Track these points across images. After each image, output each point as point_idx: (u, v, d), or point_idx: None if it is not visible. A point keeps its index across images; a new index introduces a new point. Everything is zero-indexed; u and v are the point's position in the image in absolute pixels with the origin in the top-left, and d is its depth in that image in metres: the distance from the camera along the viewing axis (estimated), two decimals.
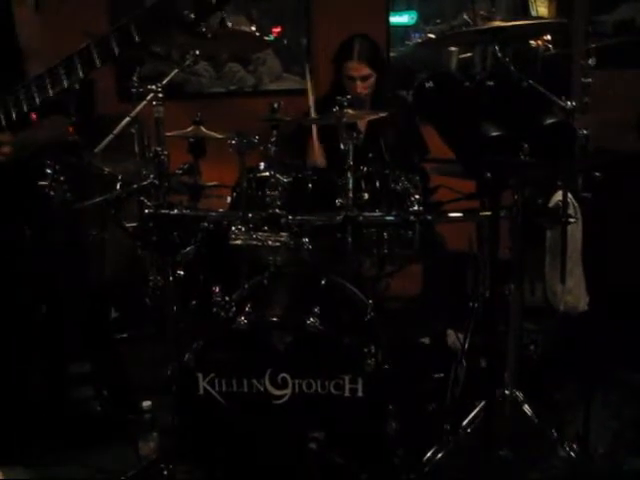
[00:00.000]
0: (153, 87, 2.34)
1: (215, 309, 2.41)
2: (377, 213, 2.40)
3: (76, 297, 3.01)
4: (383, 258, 2.57)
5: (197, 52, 2.65)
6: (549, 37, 3.92)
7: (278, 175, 2.33)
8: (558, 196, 2.81)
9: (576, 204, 2.86)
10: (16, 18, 1.92)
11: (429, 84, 2.57)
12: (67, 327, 3.04)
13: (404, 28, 4.29)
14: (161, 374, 2.56)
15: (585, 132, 2.73)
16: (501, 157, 2.29)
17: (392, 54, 4.13)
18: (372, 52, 3.21)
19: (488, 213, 2.54)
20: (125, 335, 3.43)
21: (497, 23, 2.46)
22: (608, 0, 4.13)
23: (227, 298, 2.40)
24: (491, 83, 2.45)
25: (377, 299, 2.64)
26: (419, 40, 4.25)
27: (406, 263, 2.72)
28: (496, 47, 2.56)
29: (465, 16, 4.22)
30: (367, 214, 2.35)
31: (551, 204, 2.80)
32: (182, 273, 2.65)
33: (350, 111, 2.41)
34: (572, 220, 2.63)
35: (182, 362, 2.29)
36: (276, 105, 2.47)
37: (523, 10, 4.27)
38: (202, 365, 2.23)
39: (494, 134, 2.32)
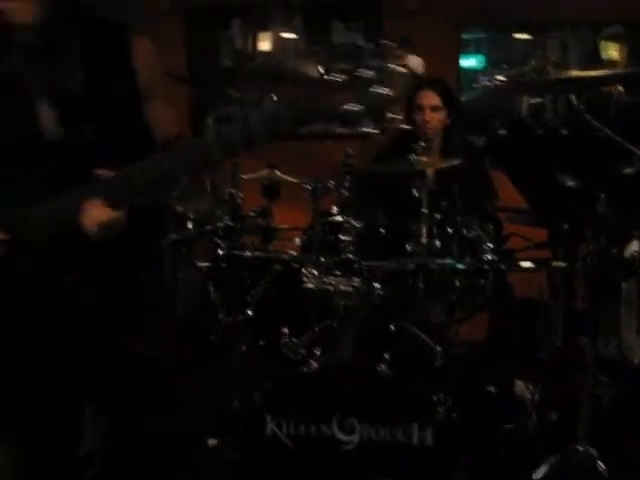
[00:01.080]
0: None
1: (283, 350, 2.42)
2: (449, 261, 2.39)
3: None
4: (453, 305, 2.56)
5: None
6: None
7: (351, 220, 2.36)
8: (634, 246, 2.75)
9: None
10: (135, 51, 1.55)
11: (503, 131, 2.58)
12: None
13: (473, 72, 4.31)
14: (225, 411, 2.58)
15: None
16: (578, 208, 2.27)
17: (462, 98, 4.14)
18: (444, 87, 3.23)
19: (561, 264, 2.52)
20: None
21: (574, 73, 2.46)
22: None
23: (295, 340, 2.42)
24: (565, 131, 2.44)
25: (445, 345, 2.61)
26: (488, 84, 4.26)
27: (476, 310, 2.69)
28: (571, 96, 2.55)
29: (533, 62, 4.22)
30: (439, 261, 2.35)
31: (627, 254, 2.73)
32: (251, 313, 2.68)
33: (424, 158, 2.43)
34: None
35: (250, 401, 2.30)
36: (350, 151, 2.50)
37: (594, 55, 4.24)
38: (270, 406, 2.24)
39: (570, 184, 2.31)
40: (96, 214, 1.35)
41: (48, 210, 1.42)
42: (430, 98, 3.13)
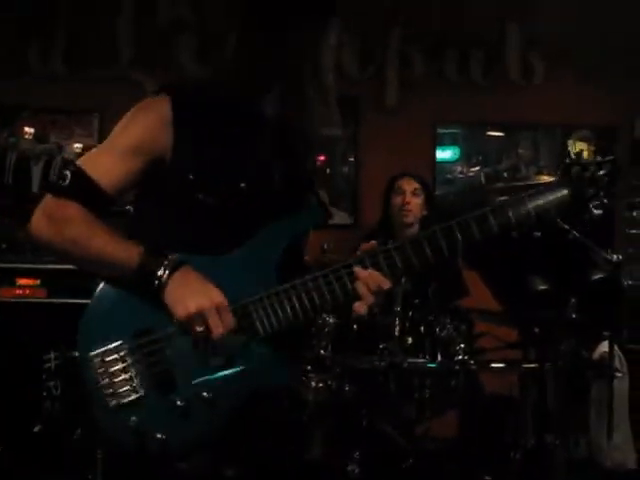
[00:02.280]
0: None
1: None
2: (421, 360, 2.40)
3: None
4: (424, 402, 2.54)
5: None
6: None
7: (325, 316, 2.37)
8: (603, 347, 2.79)
9: (622, 357, 2.82)
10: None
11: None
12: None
13: (447, 164, 4.42)
14: None
15: (630, 283, 2.74)
16: (548, 311, 2.31)
17: (437, 192, 4.23)
18: (423, 182, 3.32)
19: (532, 365, 2.53)
20: None
21: (544, 179, 2.54)
22: None
23: None
24: (538, 234, 2.50)
25: (416, 443, 2.59)
26: (460, 175, 4.37)
27: (447, 408, 2.68)
28: None
29: (506, 160, 4.35)
30: (412, 360, 2.35)
31: (596, 355, 2.77)
32: None
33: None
34: (617, 374, 2.59)
35: None
36: (326, 246, 2.53)
37: (563, 153, 4.39)
38: None
39: (541, 288, 2.36)
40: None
41: None
42: (411, 183, 3.23)
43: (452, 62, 4.28)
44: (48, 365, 3.45)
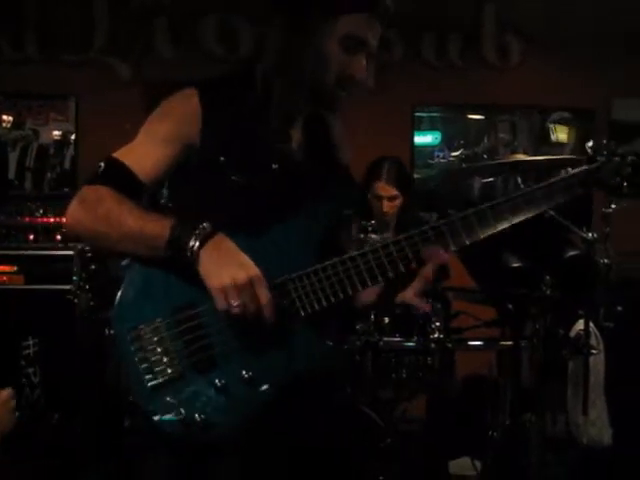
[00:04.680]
0: None
1: None
2: (397, 339, 2.40)
3: (91, 404, 3.01)
4: (401, 382, 2.55)
5: None
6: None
7: None
8: (579, 325, 2.81)
9: (598, 334, 2.84)
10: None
11: (453, 211, 2.64)
12: (81, 434, 3.03)
13: (428, 148, 4.43)
14: None
15: (607, 262, 2.76)
16: (523, 290, 2.31)
17: (416, 175, 4.24)
18: (401, 174, 3.28)
19: (508, 343, 2.55)
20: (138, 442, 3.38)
21: (519, 157, 2.55)
22: (626, 131, 4.26)
23: None
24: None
25: (393, 423, 2.60)
26: (442, 160, 4.38)
27: (424, 387, 2.69)
28: (518, 178, 2.64)
29: (486, 142, 4.37)
30: (387, 339, 2.36)
31: (572, 334, 2.78)
32: None
33: (374, 236, 2.46)
34: (593, 351, 2.61)
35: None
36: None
37: (543, 136, 4.41)
38: None
39: (515, 265, 2.37)
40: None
41: None
42: (388, 190, 3.19)
43: (430, 45, 4.28)
44: (27, 352, 3.44)
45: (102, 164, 1.43)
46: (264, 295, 1.29)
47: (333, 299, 1.34)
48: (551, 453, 2.84)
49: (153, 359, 1.31)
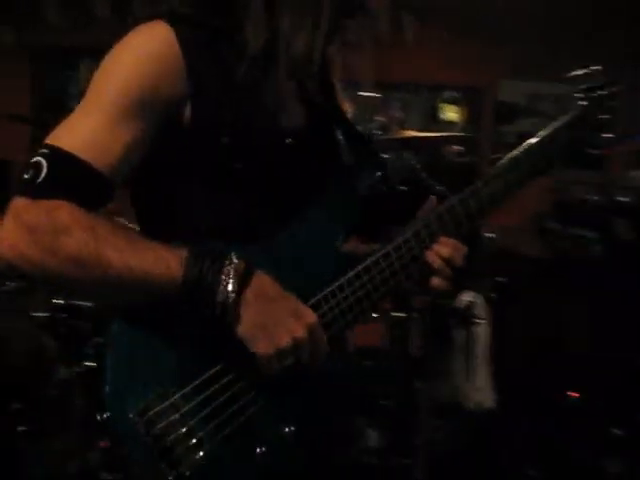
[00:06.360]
0: None
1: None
2: None
3: None
4: None
5: None
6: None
7: None
8: (466, 297, 2.93)
9: (484, 304, 2.98)
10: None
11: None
12: None
13: None
14: (63, 471, 2.44)
15: (491, 235, 2.89)
16: None
17: None
18: None
19: (399, 314, 2.63)
20: (26, 428, 3.26)
21: (409, 133, 2.61)
22: (508, 112, 4.45)
23: None
24: (404, 188, 2.57)
25: None
26: None
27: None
28: (405, 154, 2.71)
29: (379, 119, 4.44)
30: None
31: (459, 304, 2.91)
32: (90, 365, 2.57)
33: None
34: (479, 321, 2.74)
35: (86, 460, 2.20)
36: None
37: (433, 115, 4.54)
38: (109, 464, 2.15)
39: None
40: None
41: None
42: None
43: None
44: None
45: (42, 162, 0.94)
46: (323, 344, 0.99)
47: (361, 317, 1.09)
48: (439, 419, 2.96)
49: (178, 446, 0.98)
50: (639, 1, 3.69)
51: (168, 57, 0.98)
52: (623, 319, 3.07)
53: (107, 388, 1.00)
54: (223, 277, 0.93)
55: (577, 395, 3.04)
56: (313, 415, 1.08)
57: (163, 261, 0.93)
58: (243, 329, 0.95)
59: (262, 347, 0.95)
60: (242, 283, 0.94)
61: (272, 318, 0.95)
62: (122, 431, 1.00)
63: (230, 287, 0.93)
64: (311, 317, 0.98)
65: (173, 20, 0.99)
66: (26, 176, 0.94)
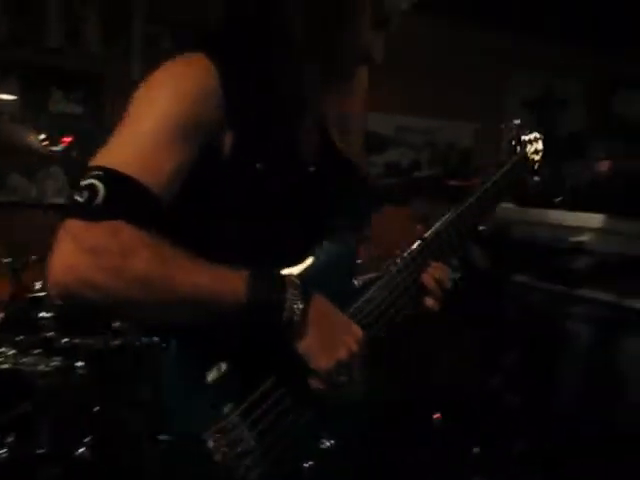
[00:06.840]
0: None
1: None
2: (157, 338, 2.37)
3: None
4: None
5: None
6: None
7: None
8: None
9: None
10: None
11: None
12: None
13: None
14: None
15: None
16: None
17: None
18: None
19: None
20: None
21: None
22: (378, 142, 4.62)
23: None
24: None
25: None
26: None
27: None
28: None
29: None
30: (146, 339, 2.32)
31: None
32: None
33: None
34: None
35: None
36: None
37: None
38: None
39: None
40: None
41: None
42: None
43: None
44: None
45: (96, 182, 0.94)
46: (364, 358, 1.09)
47: (385, 329, 1.17)
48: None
49: (239, 466, 1.02)
50: None
51: (207, 88, 1.02)
52: (478, 342, 3.22)
53: (164, 407, 1.03)
54: (288, 296, 0.99)
55: (439, 417, 3.14)
56: (358, 429, 1.15)
57: (227, 280, 0.98)
58: (305, 345, 1.02)
59: (323, 362, 1.02)
60: (307, 301, 1.01)
61: (331, 334, 1.03)
62: (184, 450, 1.00)
63: (300, 305, 0.99)
64: (360, 332, 1.07)
65: (208, 47, 1.04)
66: (79, 199, 0.94)
